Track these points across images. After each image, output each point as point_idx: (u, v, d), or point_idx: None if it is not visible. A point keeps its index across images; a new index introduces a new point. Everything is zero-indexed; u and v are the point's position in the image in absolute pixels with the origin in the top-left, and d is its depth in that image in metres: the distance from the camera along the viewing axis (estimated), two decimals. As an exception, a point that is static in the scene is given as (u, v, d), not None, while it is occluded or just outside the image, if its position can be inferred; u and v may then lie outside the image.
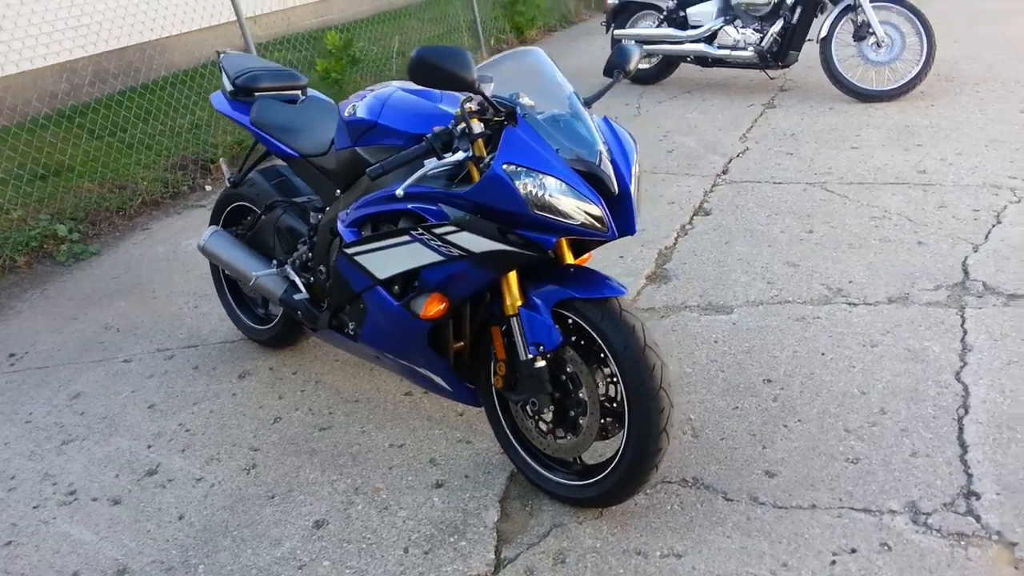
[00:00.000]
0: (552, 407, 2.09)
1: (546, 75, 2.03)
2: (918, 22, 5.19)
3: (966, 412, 2.40)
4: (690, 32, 6.06)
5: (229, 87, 2.81)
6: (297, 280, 2.63)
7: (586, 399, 2.05)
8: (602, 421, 2.09)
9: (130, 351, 3.24)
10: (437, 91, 2.15)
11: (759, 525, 2.09)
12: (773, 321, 3.02)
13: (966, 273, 3.17)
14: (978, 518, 2.02)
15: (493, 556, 2.08)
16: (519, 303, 2.01)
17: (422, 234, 1.98)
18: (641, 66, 6.71)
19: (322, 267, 2.50)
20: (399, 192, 1.93)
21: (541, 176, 1.81)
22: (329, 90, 6.11)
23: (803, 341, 2.87)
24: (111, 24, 7.00)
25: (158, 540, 2.23)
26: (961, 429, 2.33)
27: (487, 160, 1.88)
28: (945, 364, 2.63)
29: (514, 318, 2.02)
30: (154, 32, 7.47)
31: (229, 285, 3.20)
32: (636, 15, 6.55)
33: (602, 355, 2.01)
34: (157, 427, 2.73)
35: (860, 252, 3.47)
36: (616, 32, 6.54)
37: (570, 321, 2.03)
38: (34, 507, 2.40)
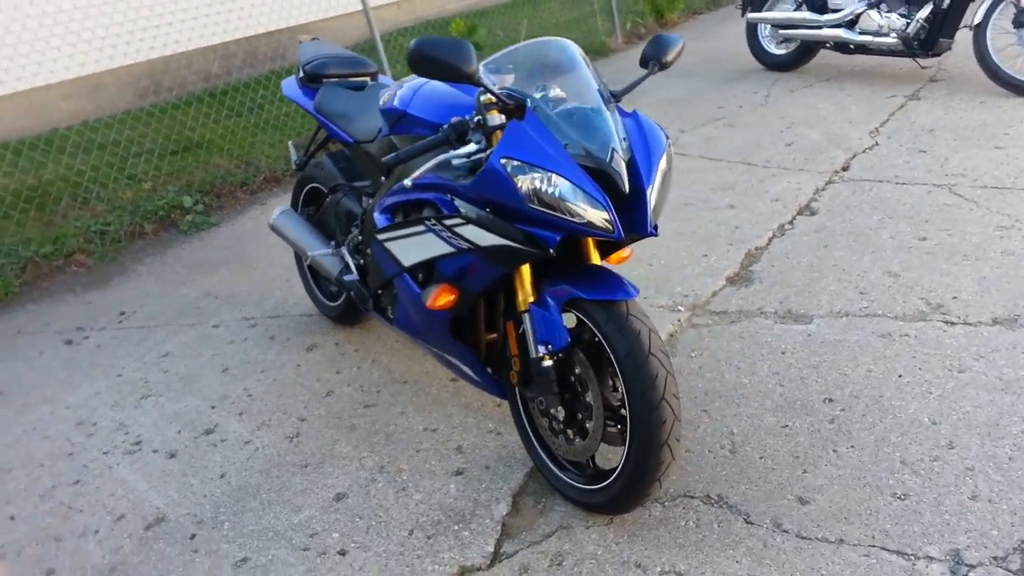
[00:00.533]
0: (562, 408, 2.04)
1: (572, 66, 1.96)
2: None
3: (1051, 457, 2.10)
4: (829, 16, 5.61)
5: (301, 73, 2.94)
6: (350, 261, 2.72)
7: (592, 403, 1.99)
8: (613, 427, 2.02)
9: (220, 317, 3.49)
10: None
11: (774, 554, 1.94)
12: (853, 335, 2.77)
13: (1096, 297, 2.76)
14: (1031, 579, 1.77)
15: (492, 549, 2.07)
16: (531, 299, 1.98)
17: (435, 225, 1.98)
18: (777, 52, 6.31)
19: (369, 250, 2.58)
20: (407, 183, 1.94)
21: (541, 172, 1.76)
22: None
23: (881, 360, 2.62)
24: (263, 6, 7.49)
25: (197, 495, 2.40)
26: (1039, 475, 2.04)
27: (489, 153, 1.85)
28: (1040, 399, 2.31)
29: (526, 314, 1.99)
30: (303, 16, 7.92)
31: None
32: (774, -3, 6.16)
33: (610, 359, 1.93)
34: (225, 390, 2.93)
35: (975, 264, 3.11)
36: (750, 16, 6.18)
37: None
38: (104, 452, 2.65)
